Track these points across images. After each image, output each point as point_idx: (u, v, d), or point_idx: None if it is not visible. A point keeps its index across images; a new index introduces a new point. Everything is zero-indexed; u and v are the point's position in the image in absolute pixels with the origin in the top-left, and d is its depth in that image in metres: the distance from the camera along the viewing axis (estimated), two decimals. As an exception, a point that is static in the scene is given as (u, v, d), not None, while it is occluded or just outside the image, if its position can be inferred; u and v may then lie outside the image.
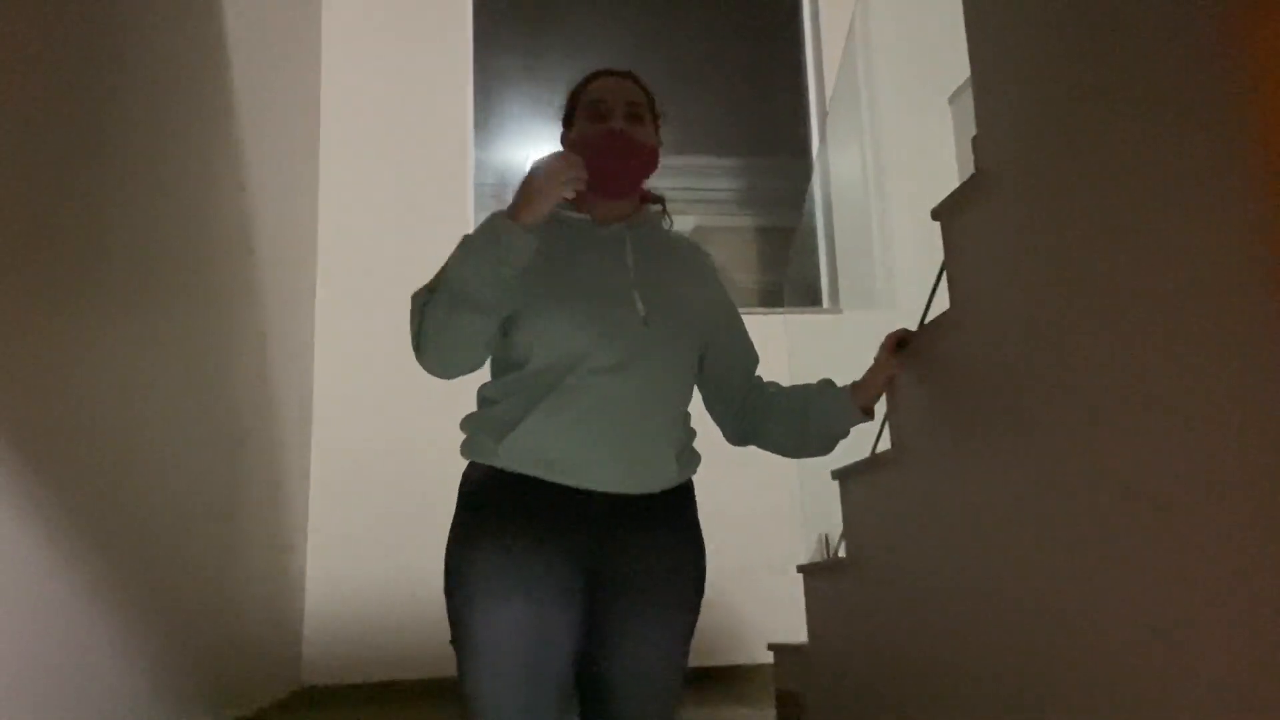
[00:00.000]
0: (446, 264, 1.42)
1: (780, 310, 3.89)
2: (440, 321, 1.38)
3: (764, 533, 3.59)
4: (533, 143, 4.48)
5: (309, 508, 3.99)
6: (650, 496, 1.47)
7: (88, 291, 1.76)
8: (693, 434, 1.58)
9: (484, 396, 1.52)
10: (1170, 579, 1.26)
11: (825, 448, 1.68)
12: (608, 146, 1.50)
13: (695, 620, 1.51)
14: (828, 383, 1.69)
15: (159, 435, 2.26)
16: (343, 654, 3.88)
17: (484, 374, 1.55)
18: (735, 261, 4.69)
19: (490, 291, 1.38)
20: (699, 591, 1.52)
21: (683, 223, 5.35)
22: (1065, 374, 1.50)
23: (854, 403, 1.66)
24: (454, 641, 1.40)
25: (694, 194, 4.81)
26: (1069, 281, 1.50)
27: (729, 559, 3.76)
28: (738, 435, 1.70)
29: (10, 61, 1.30)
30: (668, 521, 1.51)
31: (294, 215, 3.83)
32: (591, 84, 1.59)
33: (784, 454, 1.71)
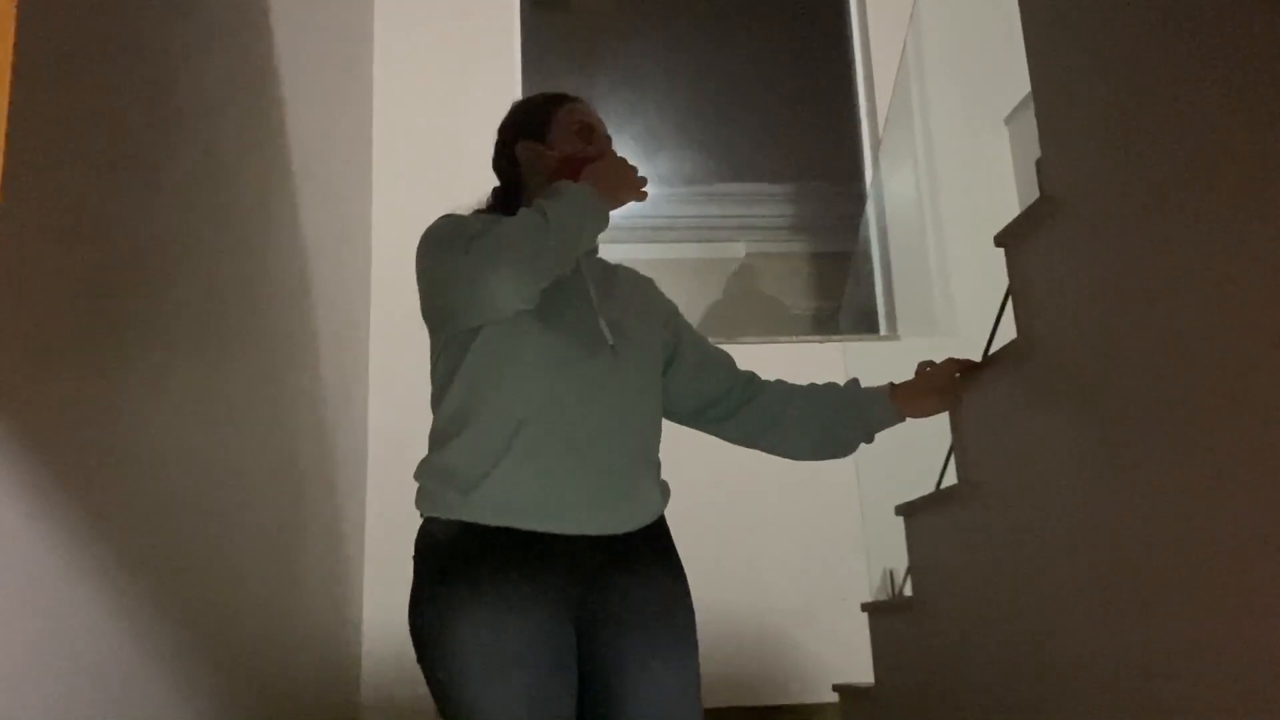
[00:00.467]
0: (543, 209, 1.33)
1: (836, 338, 3.82)
2: (548, 262, 1.30)
3: (826, 567, 3.50)
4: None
5: (365, 549, 3.98)
6: (631, 534, 1.39)
7: (152, 333, 1.77)
8: (660, 464, 1.52)
9: (441, 435, 1.42)
10: (1268, 619, 1.17)
11: (846, 450, 1.63)
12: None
13: (698, 655, 1.42)
14: (856, 381, 1.65)
15: (220, 480, 2.26)
16: (401, 697, 3.86)
17: (425, 409, 1.47)
18: (787, 288, 4.63)
19: (577, 252, 1.36)
20: (693, 625, 1.44)
21: (732, 249, 5.32)
22: (1144, 404, 1.42)
23: (894, 405, 1.62)
24: (443, 715, 1.30)
25: (744, 220, 4.76)
26: (1145, 307, 1.42)
27: (790, 594, 3.68)
28: (743, 433, 1.64)
29: (70, 111, 1.31)
30: (650, 558, 1.42)
31: (348, 254, 3.86)
32: (570, 105, 1.57)
33: (794, 456, 1.65)
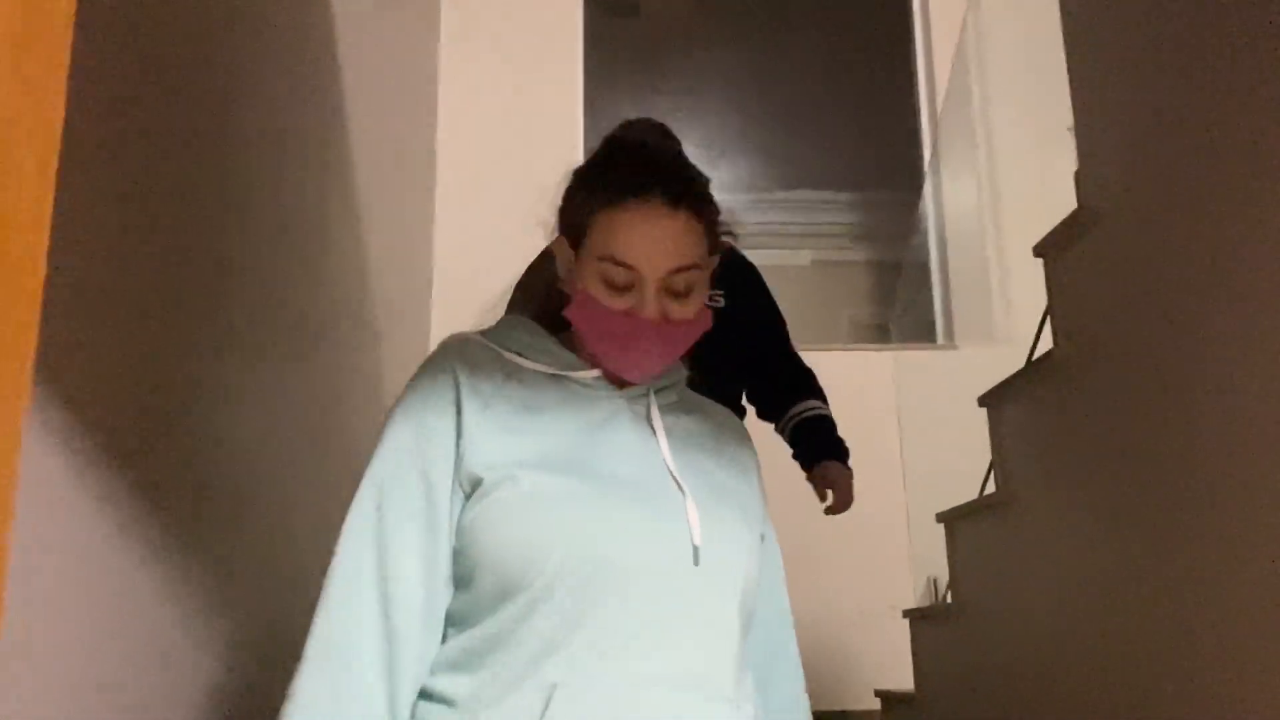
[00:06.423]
0: None
1: (893, 347, 3.81)
2: None
3: (873, 575, 3.50)
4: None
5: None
6: None
7: (213, 348, 1.85)
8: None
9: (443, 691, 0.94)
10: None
11: None
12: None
13: None
14: None
15: (280, 481, 2.36)
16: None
17: None
18: (850, 296, 4.63)
19: None
20: None
21: (797, 257, 5.33)
22: (1178, 416, 1.43)
23: None
24: None
25: (808, 228, 4.78)
26: (1177, 318, 1.43)
27: (837, 601, 3.68)
28: None
29: (134, 130, 1.41)
30: None
31: (410, 268, 3.97)
32: (629, 207, 0.99)
33: None
